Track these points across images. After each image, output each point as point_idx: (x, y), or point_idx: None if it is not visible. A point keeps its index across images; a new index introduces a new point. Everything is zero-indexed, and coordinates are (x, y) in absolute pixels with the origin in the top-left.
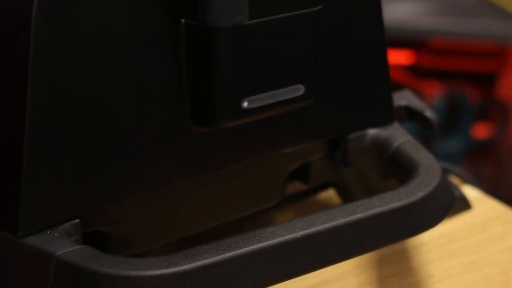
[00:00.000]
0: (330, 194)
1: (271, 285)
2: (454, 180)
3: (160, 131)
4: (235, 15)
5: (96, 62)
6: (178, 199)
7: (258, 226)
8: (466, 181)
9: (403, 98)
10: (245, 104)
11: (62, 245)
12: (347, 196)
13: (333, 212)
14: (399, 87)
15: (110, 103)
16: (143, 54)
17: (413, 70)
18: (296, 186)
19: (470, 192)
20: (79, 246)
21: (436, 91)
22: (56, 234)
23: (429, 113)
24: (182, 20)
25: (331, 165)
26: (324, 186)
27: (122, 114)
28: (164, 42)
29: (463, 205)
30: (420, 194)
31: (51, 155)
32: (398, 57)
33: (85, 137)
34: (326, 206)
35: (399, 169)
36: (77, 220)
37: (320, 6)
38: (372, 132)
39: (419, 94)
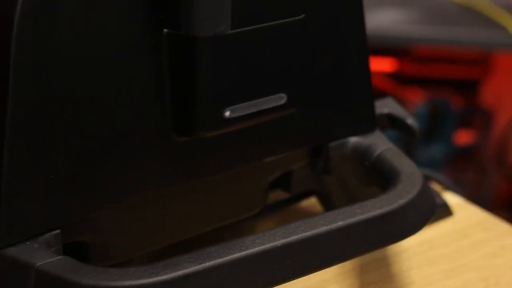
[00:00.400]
0: (312, 202)
1: None
2: (436, 187)
3: (141, 139)
4: (217, 24)
5: (77, 71)
6: (159, 209)
7: (239, 234)
8: (448, 188)
9: (385, 106)
10: (227, 113)
11: (42, 256)
12: (328, 204)
13: (314, 220)
14: (382, 94)
15: (91, 112)
16: (125, 63)
17: (396, 77)
18: (278, 195)
19: (452, 198)
20: (59, 257)
21: (419, 98)
22: (36, 245)
23: (411, 121)
24: (165, 30)
25: (313, 173)
26: (306, 194)
27: (104, 123)
28: (147, 51)
29: (445, 212)
30: (401, 201)
31: (31, 165)
32: (381, 65)
33: (65, 147)
34: (307, 214)
35: (381, 177)
36: (58, 231)
37: (303, 15)
38: (354, 140)
39: (402, 101)
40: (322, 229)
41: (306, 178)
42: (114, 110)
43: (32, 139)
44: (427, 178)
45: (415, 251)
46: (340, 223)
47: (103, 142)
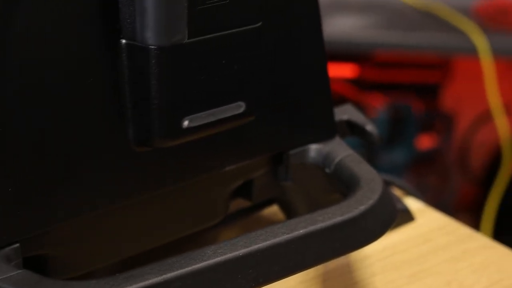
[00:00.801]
0: (274, 210)
1: None
2: (397, 192)
3: (100, 151)
4: (174, 34)
5: (31, 85)
6: (120, 220)
7: (201, 244)
8: (409, 193)
9: (344, 113)
10: (186, 123)
11: (2, 270)
12: (290, 212)
13: (276, 228)
14: (344, 100)
15: (48, 125)
16: (82, 74)
17: (357, 83)
18: (240, 203)
19: (413, 203)
20: (19, 271)
21: (380, 103)
22: None
23: (370, 127)
24: (123, 41)
25: (274, 181)
26: (267, 202)
27: (60, 135)
28: (105, 62)
29: (406, 217)
30: (362, 208)
31: None
32: (342, 71)
33: (22, 160)
34: (270, 222)
35: (341, 184)
36: (17, 245)
37: (260, 23)
38: (314, 147)
39: (363, 107)
40: (284, 237)
41: (267, 186)
42: (71, 122)
43: None
44: (387, 184)
45: (377, 257)
46: (301, 231)
47: (61, 155)
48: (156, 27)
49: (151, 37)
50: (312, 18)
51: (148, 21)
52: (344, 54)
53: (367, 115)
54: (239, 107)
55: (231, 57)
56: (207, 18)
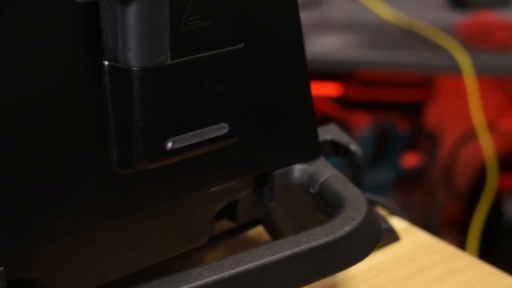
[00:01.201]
0: (259, 231)
1: None
2: (382, 211)
3: (83, 173)
4: (156, 55)
5: (12, 106)
6: (104, 242)
7: (187, 266)
8: (394, 212)
9: (328, 133)
10: (169, 144)
11: None
12: (275, 233)
13: (261, 250)
14: (328, 119)
15: (30, 146)
16: (64, 96)
17: (341, 101)
18: (225, 224)
19: (398, 223)
20: None
21: (364, 122)
22: None
23: (354, 147)
24: (105, 62)
25: (259, 202)
26: (252, 223)
27: (43, 158)
28: (87, 83)
29: (391, 236)
30: (347, 228)
31: None
32: (326, 89)
33: (4, 183)
34: (255, 243)
35: (326, 204)
36: (1, 268)
37: (242, 44)
38: (298, 167)
39: (348, 125)
40: (269, 258)
41: (252, 207)
42: (53, 144)
43: None
44: (372, 203)
45: (363, 277)
46: (286, 252)
47: (43, 178)
48: (138, 48)
49: (133, 58)
50: (294, 38)
51: (130, 42)
52: (328, 73)
53: (352, 134)
54: (222, 128)
55: (213, 78)
56: (189, 39)
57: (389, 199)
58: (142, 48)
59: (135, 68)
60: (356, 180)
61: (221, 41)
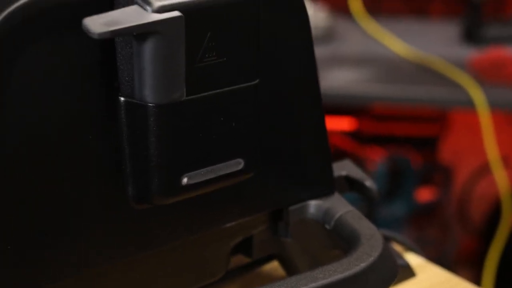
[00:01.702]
0: (274, 266)
1: None
2: (397, 247)
3: (98, 208)
4: (172, 92)
5: (29, 142)
6: (119, 277)
7: None
8: (409, 248)
9: (343, 168)
10: (185, 180)
11: None
12: (290, 268)
13: (276, 286)
14: (342, 153)
15: (46, 182)
16: (81, 131)
17: (355, 136)
18: (240, 259)
19: (413, 259)
20: None
21: (378, 156)
22: None
23: (369, 183)
24: (121, 98)
25: (274, 237)
26: (267, 258)
27: (59, 192)
28: (104, 119)
29: (407, 272)
30: (363, 265)
31: None
32: (340, 124)
33: (20, 218)
34: (270, 278)
35: (342, 240)
36: None
37: (257, 80)
38: (313, 203)
39: (361, 160)
40: None
41: (267, 242)
42: (69, 180)
43: None
44: (388, 239)
45: None
46: None
47: (59, 214)
48: (154, 85)
49: (149, 95)
50: (309, 73)
51: (146, 79)
52: (342, 107)
53: (366, 168)
54: (238, 164)
55: (229, 114)
56: (205, 75)
57: (403, 234)
58: (158, 84)
59: (151, 104)
60: (371, 215)
61: (236, 77)
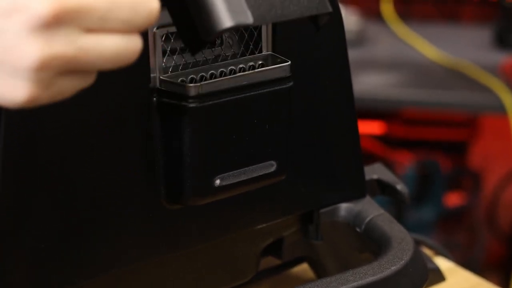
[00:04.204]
0: (304, 268)
1: None
2: (427, 251)
3: (132, 208)
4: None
5: (65, 144)
6: (151, 276)
7: None
8: (439, 252)
9: (375, 172)
10: (217, 181)
11: None
12: (320, 270)
13: None
14: (371, 157)
15: (83, 182)
16: (116, 132)
17: (385, 140)
18: (270, 261)
19: (443, 263)
20: None
21: (408, 160)
22: None
23: (401, 187)
24: (154, 99)
25: (304, 239)
26: (298, 261)
27: (93, 193)
28: (138, 121)
29: (437, 277)
30: (394, 268)
31: (23, 234)
32: (370, 127)
33: (57, 216)
34: (300, 280)
35: (372, 243)
36: None
37: (291, 83)
38: (344, 206)
39: (391, 163)
40: None
41: (298, 244)
42: (105, 181)
43: (22, 210)
44: (418, 243)
45: None
46: None
47: (95, 213)
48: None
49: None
50: (343, 78)
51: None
52: (372, 111)
53: (395, 172)
54: (270, 166)
55: (262, 116)
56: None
57: (431, 238)
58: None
59: (185, 105)
60: (400, 218)
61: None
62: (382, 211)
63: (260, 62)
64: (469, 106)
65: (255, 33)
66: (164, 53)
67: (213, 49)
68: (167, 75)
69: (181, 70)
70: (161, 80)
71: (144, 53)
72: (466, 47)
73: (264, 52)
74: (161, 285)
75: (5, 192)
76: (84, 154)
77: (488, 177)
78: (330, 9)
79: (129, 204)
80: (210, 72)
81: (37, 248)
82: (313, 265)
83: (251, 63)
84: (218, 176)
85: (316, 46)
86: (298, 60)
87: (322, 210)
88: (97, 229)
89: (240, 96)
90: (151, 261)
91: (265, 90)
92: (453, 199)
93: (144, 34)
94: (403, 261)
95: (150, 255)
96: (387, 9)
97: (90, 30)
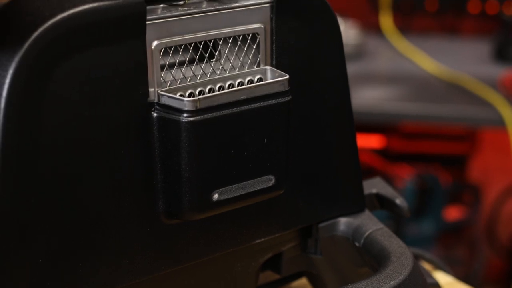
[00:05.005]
0: (303, 283)
1: None
2: (427, 266)
3: (129, 223)
4: None
5: (63, 158)
6: None
7: None
8: (438, 267)
9: (374, 186)
10: (216, 196)
11: None
12: (320, 285)
13: None
14: (371, 170)
15: (80, 197)
16: (114, 147)
17: (384, 153)
18: (269, 275)
19: (442, 277)
20: None
21: (407, 174)
22: None
23: (399, 201)
24: (154, 114)
25: (303, 254)
26: (296, 275)
27: (91, 207)
28: (136, 135)
29: None
30: (392, 283)
31: (17, 249)
32: (369, 141)
33: (55, 232)
34: None
35: (371, 258)
36: None
37: (290, 98)
38: (343, 220)
39: (390, 177)
40: None
41: (297, 259)
42: (102, 195)
43: (19, 223)
44: (417, 258)
45: None
46: None
47: (92, 228)
48: None
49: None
50: (341, 92)
51: None
52: (371, 125)
53: (394, 186)
54: (269, 181)
55: (261, 130)
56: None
57: (431, 252)
58: None
59: (183, 120)
60: (399, 232)
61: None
62: (381, 225)
63: (258, 76)
64: (468, 120)
65: (254, 47)
66: (162, 67)
67: (211, 63)
68: (165, 89)
69: (179, 84)
70: (159, 95)
71: (143, 67)
72: (466, 60)
73: (263, 66)
74: None
75: (2, 209)
76: (82, 169)
77: (488, 191)
78: None
79: (126, 219)
80: (209, 86)
81: (36, 264)
82: (312, 280)
83: (249, 78)
84: (216, 190)
85: (315, 60)
86: (296, 74)
87: (321, 225)
88: (95, 245)
89: (238, 110)
90: (150, 276)
91: (263, 104)
92: (453, 213)
93: (143, 48)
94: (402, 276)
95: (149, 271)
96: (387, 22)
97: None
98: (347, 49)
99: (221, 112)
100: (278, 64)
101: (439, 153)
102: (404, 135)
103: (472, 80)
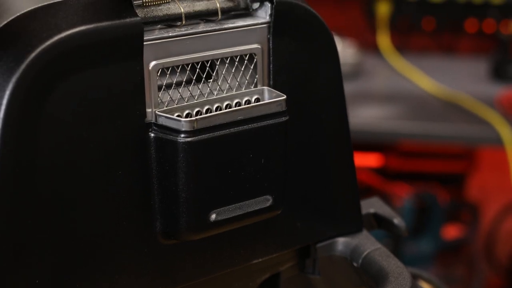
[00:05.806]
0: None
1: None
2: (425, 285)
3: (127, 243)
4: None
5: (61, 179)
6: None
7: None
8: (436, 286)
9: (372, 206)
10: (213, 216)
11: None
12: None
13: None
14: (369, 189)
15: (77, 217)
16: (111, 168)
17: (382, 172)
18: None
19: None
20: None
21: (405, 193)
22: None
23: (397, 221)
24: (151, 134)
25: (301, 274)
26: None
27: (89, 228)
28: (133, 155)
29: None
30: None
31: (15, 270)
32: (367, 160)
33: (52, 253)
34: None
35: (369, 278)
36: None
37: (287, 118)
38: (341, 240)
39: (388, 196)
40: None
41: (294, 279)
42: (99, 215)
43: (16, 243)
44: (416, 277)
45: None
46: None
47: (88, 248)
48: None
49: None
50: (339, 111)
51: None
52: (369, 144)
53: (392, 205)
54: (266, 201)
55: (258, 150)
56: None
57: (429, 271)
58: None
59: (180, 141)
60: (397, 251)
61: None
62: (379, 245)
63: (256, 97)
64: (466, 139)
65: (251, 67)
66: (159, 87)
67: (209, 83)
68: (162, 109)
69: (176, 104)
70: (156, 115)
71: (140, 88)
72: (463, 79)
73: (260, 86)
74: None
75: None
76: (79, 190)
77: (486, 210)
78: None
79: (124, 239)
80: (206, 107)
81: (32, 285)
82: None
83: (247, 98)
84: (214, 210)
85: (312, 80)
86: (294, 93)
87: (319, 245)
88: (92, 265)
89: (235, 130)
90: None
91: (260, 125)
92: (451, 232)
93: (140, 69)
94: None
95: None
96: (384, 42)
97: None
98: (344, 68)
99: (218, 132)
100: (276, 84)
101: (437, 171)
102: (402, 153)
103: (469, 99)
